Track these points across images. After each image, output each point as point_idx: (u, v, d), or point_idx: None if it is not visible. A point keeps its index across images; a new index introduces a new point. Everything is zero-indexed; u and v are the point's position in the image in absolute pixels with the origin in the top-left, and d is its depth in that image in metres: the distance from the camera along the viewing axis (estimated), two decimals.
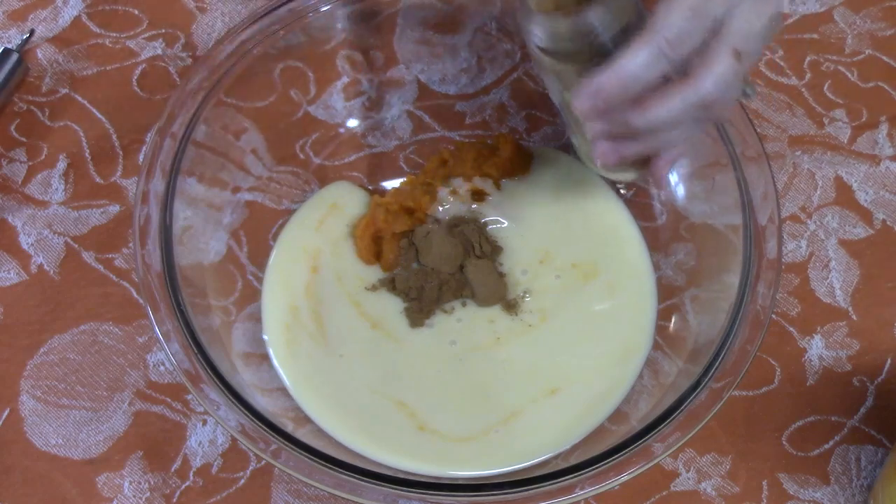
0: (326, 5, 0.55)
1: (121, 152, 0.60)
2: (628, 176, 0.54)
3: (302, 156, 0.59)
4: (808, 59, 0.64)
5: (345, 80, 0.60)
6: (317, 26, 0.56)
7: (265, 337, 0.53)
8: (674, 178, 0.57)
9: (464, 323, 0.55)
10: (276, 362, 0.53)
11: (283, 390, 0.52)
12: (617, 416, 0.51)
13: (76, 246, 0.57)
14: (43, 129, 0.61)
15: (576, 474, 0.43)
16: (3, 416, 0.53)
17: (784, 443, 0.53)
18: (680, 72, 0.41)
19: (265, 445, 0.44)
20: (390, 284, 0.55)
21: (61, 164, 0.59)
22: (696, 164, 0.56)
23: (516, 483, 0.44)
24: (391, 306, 0.55)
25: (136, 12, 0.64)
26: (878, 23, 0.65)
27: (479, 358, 0.54)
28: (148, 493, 0.51)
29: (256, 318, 0.54)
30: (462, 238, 0.55)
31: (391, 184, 0.59)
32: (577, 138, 0.51)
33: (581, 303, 0.55)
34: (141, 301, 0.48)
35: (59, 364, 0.54)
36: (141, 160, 0.59)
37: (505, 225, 0.57)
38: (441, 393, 0.52)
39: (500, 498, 0.43)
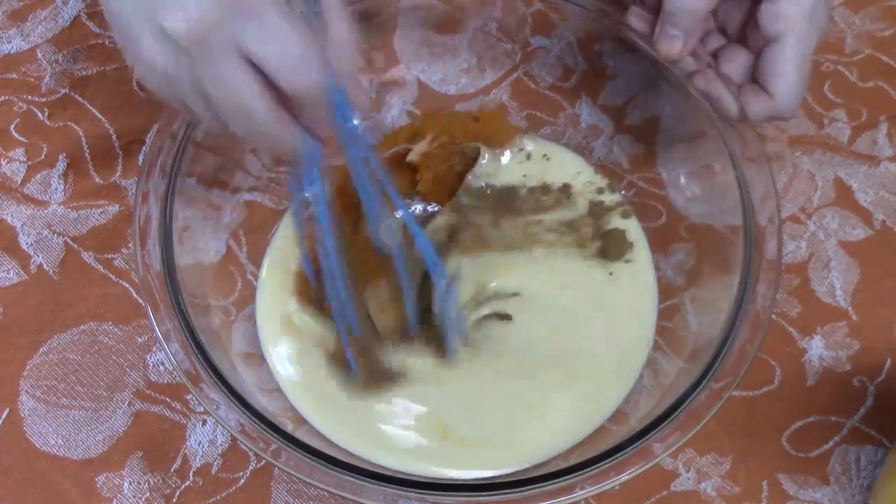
0: None
1: (121, 152, 0.60)
2: None
3: None
4: None
5: None
6: None
7: (260, 336, 0.53)
8: (673, 177, 0.57)
9: None
10: (270, 361, 0.53)
11: (283, 390, 0.52)
12: (617, 416, 0.51)
13: (76, 246, 0.57)
14: (43, 129, 0.61)
15: (576, 474, 0.43)
16: (3, 416, 0.53)
17: (784, 443, 0.53)
18: None
19: (265, 445, 0.44)
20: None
21: (61, 164, 0.59)
22: (696, 165, 0.56)
23: (516, 483, 0.43)
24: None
25: None
26: (878, 23, 0.65)
27: (479, 359, 0.54)
28: (148, 493, 0.51)
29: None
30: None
31: None
32: None
33: (581, 303, 0.55)
34: (141, 301, 0.48)
35: (59, 364, 0.54)
36: (141, 160, 0.59)
37: None
38: (440, 394, 0.52)
39: (500, 498, 0.43)
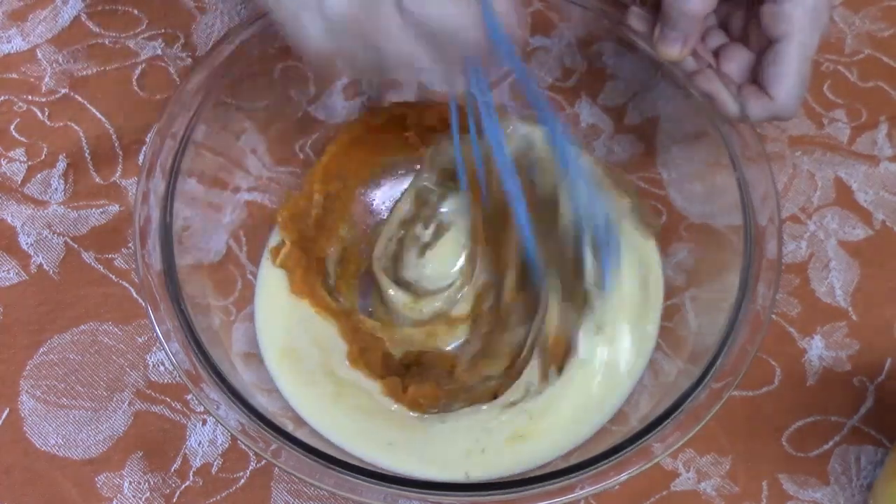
0: None
1: (121, 152, 0.60)
2: None
3: (302, 156, 0.59)
4: None
5: (345, 80, 0.60)
6: None
7: (259, 337, 0.53)
8: (673, 177, 0.57)
9: None
10: (269, 364, 0.53)
11: (281, 391, 0.52)
12: (617, 416, 0.51)
13: (76, 246, 0.57)
14: (43, 129, 0.61)
15: (576, 474, 0.43)
16: (3, 416, 0.53)
17: (784, 443, 0.53)
18: None
19: (265, 445, 0.44)
20: None
21: (61, 164, 0.59)
22: (696, 165, 0.56)
23: (516, 483, 0.43)
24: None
25: (136, 12, 0.64)
26: (878, 23, 0.65)
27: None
28: (148, 493, 0.51)
29: None
30: None
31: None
32: None
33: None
34: (141, 301, 0.48)
35: (59, 364, 0.54)
36: (141, 160, 0.59)
37: None
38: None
39: (499, 498, 0.43)
